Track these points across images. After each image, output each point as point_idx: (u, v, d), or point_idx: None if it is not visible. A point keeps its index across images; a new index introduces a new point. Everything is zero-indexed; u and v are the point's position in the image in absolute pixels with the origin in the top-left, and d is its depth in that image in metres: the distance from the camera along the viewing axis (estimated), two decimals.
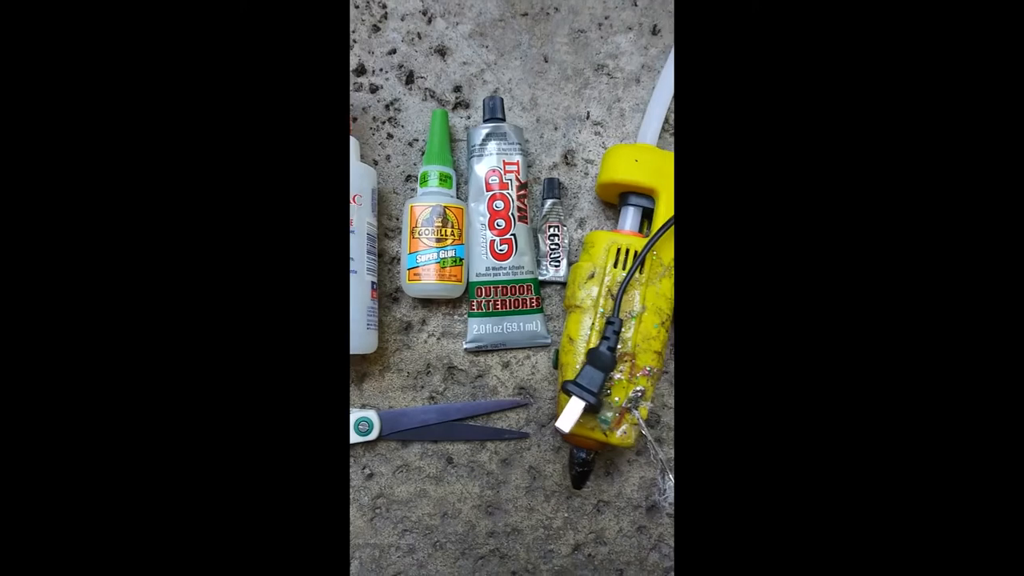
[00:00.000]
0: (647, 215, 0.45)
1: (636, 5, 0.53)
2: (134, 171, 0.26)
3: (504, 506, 0.47)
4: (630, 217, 0.45)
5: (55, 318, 0.25)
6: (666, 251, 0.43)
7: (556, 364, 0.47)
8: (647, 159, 0.44)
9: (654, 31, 0.52)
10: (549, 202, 0.48)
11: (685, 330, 0.28)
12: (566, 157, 0.50)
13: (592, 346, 0.41)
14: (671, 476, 0.45)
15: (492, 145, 0.46)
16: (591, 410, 0.39)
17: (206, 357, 0.26)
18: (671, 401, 0.48)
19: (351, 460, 0.48)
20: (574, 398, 0.38)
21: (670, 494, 0.45)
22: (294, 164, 0.27)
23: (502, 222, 0.46)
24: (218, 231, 0.26)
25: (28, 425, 0.25)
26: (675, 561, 0.47)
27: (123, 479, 0.25)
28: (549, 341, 0.47)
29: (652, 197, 0.44)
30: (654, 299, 0.42)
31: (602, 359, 0.39)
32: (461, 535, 0.48)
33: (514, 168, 0.46)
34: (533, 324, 0.47)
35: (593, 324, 0.42)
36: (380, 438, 0.46)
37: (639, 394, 0.41)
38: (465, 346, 0.47)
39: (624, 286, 0.40)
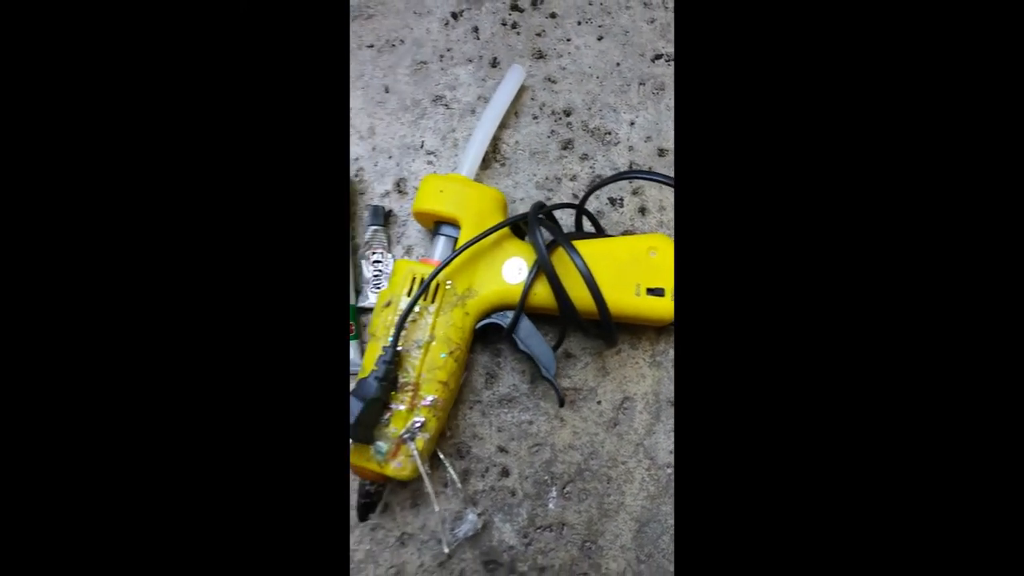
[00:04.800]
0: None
1: (478, 38, 0.53)
2: (130, 163, 0.26)
3: None
4: (440, 246, 0.45)
5: (49, 305, 0.25)
6: (461, 281, 0.43)
7: None
8: (453, 189, 0.44)
9: (493, 63, 0.53)
10: (371, 229, 0.49)
11: (685, 328, 0.28)
12: (398, 185, 0.51)
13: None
14: (449, 518, 0.44)
15: None
16: (362, 439, 0.38)
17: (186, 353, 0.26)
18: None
19: None
20: None
21: (449, 534, 0.44)
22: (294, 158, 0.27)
23: None
24: (207, 220, 0.26)
25: (14, 416, 0.24)
26: (675, 559, 0.45)
27: (116, 469, 0.25)
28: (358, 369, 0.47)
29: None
30: (444, 328, 0.42)
31: (364, 388, 0.38)
32: None
33: None
34: None
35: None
36: None
37: (417, 425, 0.40)
38: None
39: (405, 314, 0.40)
